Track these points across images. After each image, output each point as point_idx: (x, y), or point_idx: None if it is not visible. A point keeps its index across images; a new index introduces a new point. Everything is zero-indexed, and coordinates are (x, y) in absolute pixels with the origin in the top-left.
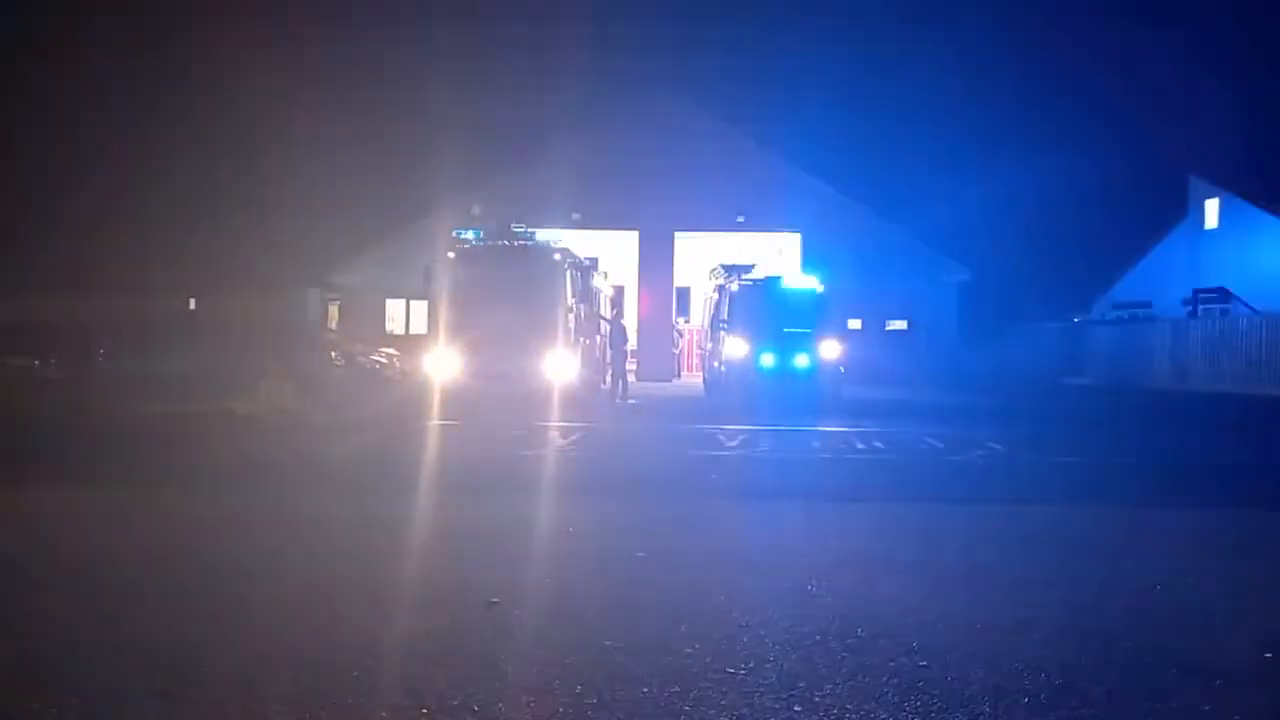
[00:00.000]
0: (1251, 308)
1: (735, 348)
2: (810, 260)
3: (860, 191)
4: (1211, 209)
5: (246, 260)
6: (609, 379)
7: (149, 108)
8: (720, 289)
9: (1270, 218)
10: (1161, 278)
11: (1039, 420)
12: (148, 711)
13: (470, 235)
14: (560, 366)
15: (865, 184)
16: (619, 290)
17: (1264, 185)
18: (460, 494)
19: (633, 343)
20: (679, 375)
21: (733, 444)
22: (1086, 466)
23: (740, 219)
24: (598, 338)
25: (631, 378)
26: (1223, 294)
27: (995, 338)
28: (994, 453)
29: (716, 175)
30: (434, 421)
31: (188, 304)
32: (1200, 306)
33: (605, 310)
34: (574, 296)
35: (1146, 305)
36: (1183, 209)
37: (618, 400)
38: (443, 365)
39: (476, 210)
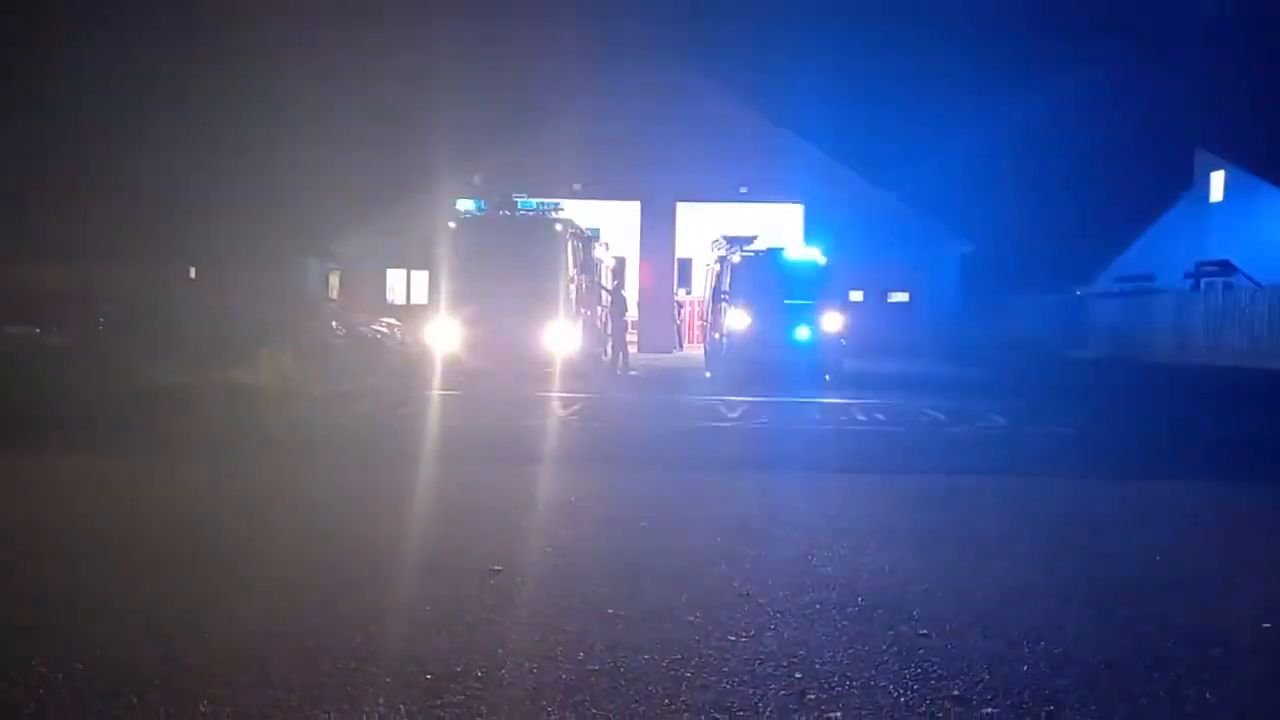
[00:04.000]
0: (1255, 281)
1: (736, 319)
2: (812, 231)
3: (863, 163)
4: (1217, 181)
5: (247, 230)
6: (610, 350)
7: (149, 77)
8: (722, 260)
9: (1276, 191)
10: (1165, 250)
11: (1040, 393)
12: (151, 676)
13: (471, 205)
14: (561, 337)
15: (869, 155)
16: (620, 261)
17: (1270, 157)
18: (462, 463)
19: (633, 313)
20: (680, 347)
21: (734, 415)
22: (1087, 439)
23: (743, 190)
24: (599, 308)
25: (632, 349)
26: (1225, 267)
27: (997, 310)
28: (995, 425)
29: (719, 146)
30: (435, 391)
31: (188, 273)
32: (1203, 280)
33: (607, 281)
34: (575, 267)
35: (1149, 278)
36: (1188, 181)
37: (619, 371)
38: (444, 335)
39: (478, 180)
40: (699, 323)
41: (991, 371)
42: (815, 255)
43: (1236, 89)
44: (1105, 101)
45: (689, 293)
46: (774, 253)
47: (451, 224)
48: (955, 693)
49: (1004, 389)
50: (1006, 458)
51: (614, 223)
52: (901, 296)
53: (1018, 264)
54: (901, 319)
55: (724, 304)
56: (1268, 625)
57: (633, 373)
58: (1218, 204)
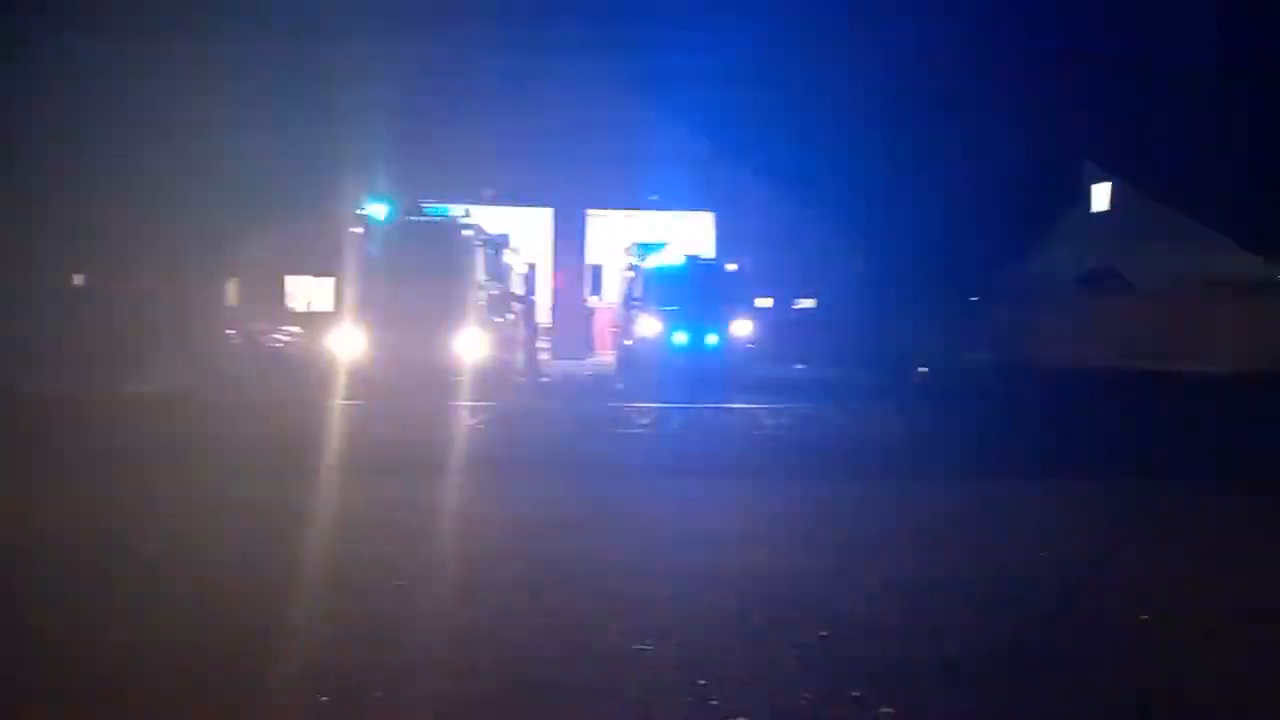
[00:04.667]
0: (1133, 286)
1: (647, 326)
2: (724, 239)
3: (772, 173)
4: (1101, 194)
5: (138, 233)
6: (521, 358)
7: (32, 78)
8: (634, 267)
9: (1157, 203)
10: (1056, 258)
11: (940, 396)
12: (37, 700)
13: (377, 210)
14: (471, 345)
15: (777, 167)
16: (532, 267)
17: (1151, 172)
18: (367, 476)
19: (544, 320)
20: (592, 354)
21: (644, 422)
22: (980, 440)
23: (654, 198)
24: (509, 316)
25: (544, 356)
26: (1110, 274)
27: (900, 315)
28: (896, 428)
29: (632, 154)
30: (339, 402)
31: (73, 279)
32: (1089, 285)
33: (517, 288)
34: (485, 273)
35: (1041, 284)
36: (1077, 192)
37: (529, 379)
38: (348, 344)
39: (384, 187)
40: (611, 330)
41: (892, 376)
42: (726, 263)
43: (1120, 105)
44: (1002, 117)
45: (600, 299)
46: (685, 260)
47: (356, 229)
48: (855, 694)
49: (905, 393)
50: (908, 460)
51: (526, 229)
52: (809, 303)
53: (919, 271)
54: (809, 325)
55: (635, 310)
56: (1146, 617)
57: (544, 380)
58: (1104, 214)
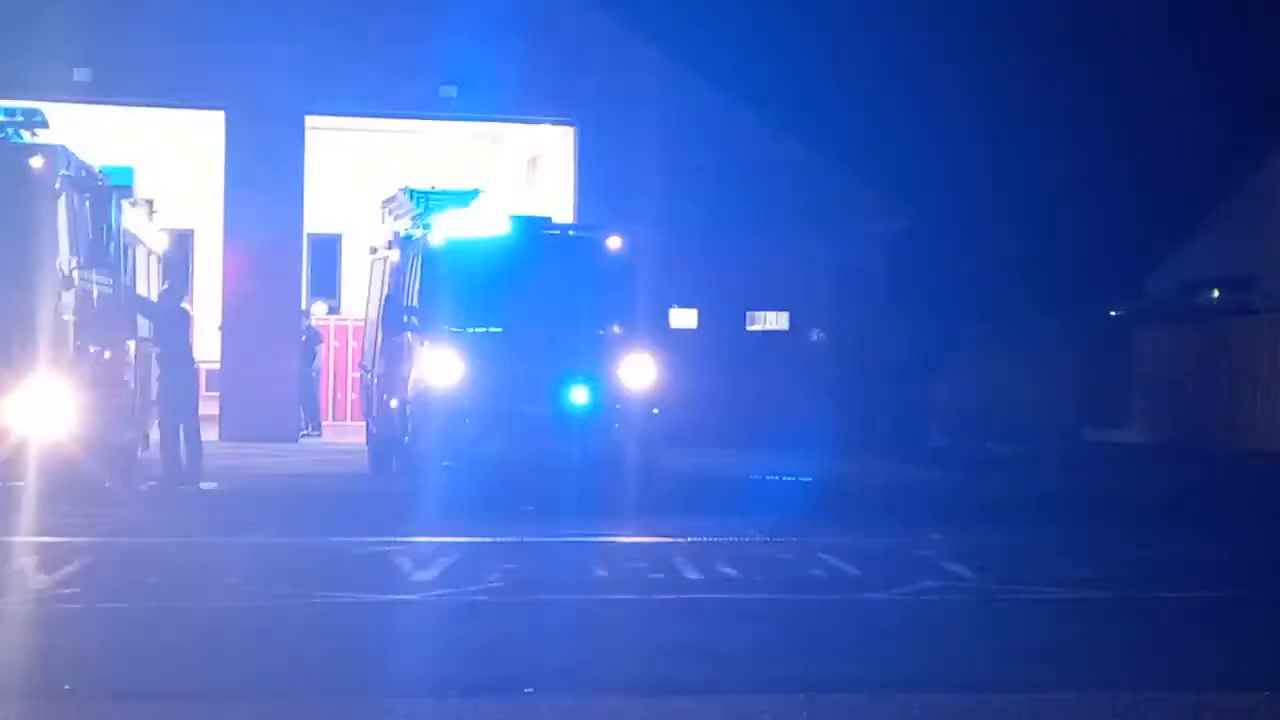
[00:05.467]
0: None
1: (437, 369)
2: (592, 183)
3: (697, 57)
4: None
5: None
6: (151, 436)
7: None
8: (404, 243)
9: None
10: (1269, 233)
11: (1040, 515)
12: None
13: None
14: (40, 408)
15: (708, 43)
16: (181, 240)
17: None
18: None
19: (207, 356)
20: (315, 427)
21: (428, 576)
22: (1123, 608)
23: (449, 91)
24: (131, 344)
25: (208, 434)
26: None
27: (958, 346)
28: (955, 585)
29: (395, 6)
30: None
31: None
32: None
33: (148, 287)
34: (76, 253)
35: (1245, 285)
36: None
37: (173, 481)
38: None
39: None
40: (355, 375)
41: (944, 471)
42: (603, 237)
43: None
44: None
45: (334, 310)
46: (516, 230)
47: None
48: None
49: (970, 508)
50: (977, 656)
51: (168, 156)
52: (775, 321)
53: (998, 260)
54: (773, 365)
55: (409, 336)
56: None
57: (208, 486)
58: None
